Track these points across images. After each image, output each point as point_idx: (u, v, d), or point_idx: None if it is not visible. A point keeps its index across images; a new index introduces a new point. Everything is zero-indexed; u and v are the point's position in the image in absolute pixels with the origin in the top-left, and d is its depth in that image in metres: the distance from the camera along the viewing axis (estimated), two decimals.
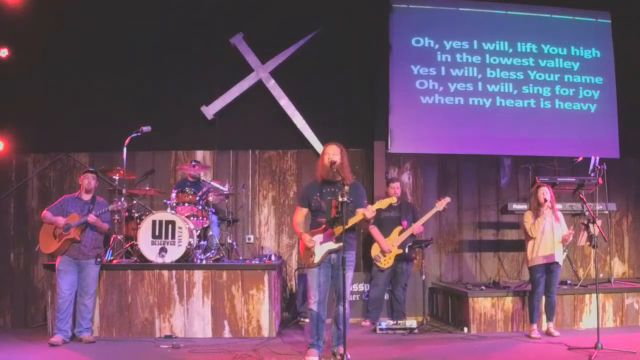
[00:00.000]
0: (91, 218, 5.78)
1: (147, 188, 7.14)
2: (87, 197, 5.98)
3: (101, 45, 7.70)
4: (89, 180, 5.97)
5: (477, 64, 7.89)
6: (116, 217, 6.54)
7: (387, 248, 6.63)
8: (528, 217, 6.13)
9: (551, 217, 6.03)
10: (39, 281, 7.46)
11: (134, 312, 6.04)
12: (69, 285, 5.76)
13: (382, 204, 5.08)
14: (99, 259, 5.88)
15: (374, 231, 6.73)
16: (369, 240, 6.98)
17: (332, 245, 4.98)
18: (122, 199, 6.21)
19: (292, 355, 5.20)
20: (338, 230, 4.89)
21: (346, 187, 4.81)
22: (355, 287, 7.14)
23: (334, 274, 5.04)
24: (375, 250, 6.73)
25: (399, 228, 6.72)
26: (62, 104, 7.67)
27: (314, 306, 5.01)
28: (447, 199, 6.68)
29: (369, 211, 4.94)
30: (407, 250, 6.70)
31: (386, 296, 6.98)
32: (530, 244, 6.11)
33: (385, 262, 6.68)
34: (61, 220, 5.79)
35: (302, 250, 5.13)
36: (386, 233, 6.71)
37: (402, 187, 8.02)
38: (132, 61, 7.75)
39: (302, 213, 5.19)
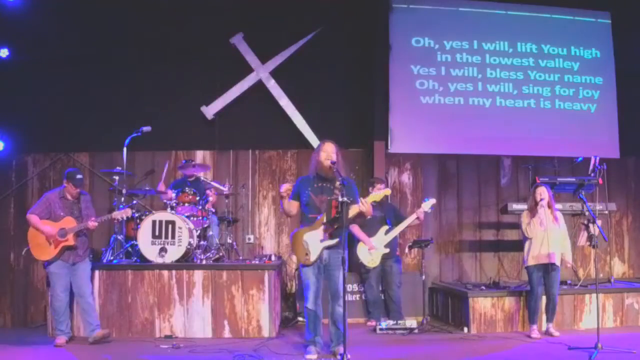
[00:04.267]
0: (93, 225, 5.60)
1: (147, 188, 7.14)
2: (72, 197, 5.74)
3: (101, 45, 7.69)
4: (77, 192, 5.68)
5: (477, 64, 7.89)
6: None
7: (371, 245, 6.56)
8: (524, 218, 6.13)
9: (549, 217, 6.01)
10: (39, 281, 7.45)
11: (134, 312, 6.03)
12: (64, 288, 5.66)
13: (376, 196, 5.10)
14: (91, 255, 5.83)
15: (355, 229, 6.59)
16: (352, 240, 6.74)
17: (328, 242, 4.98)
18: (123, 200, 6.17)
19: (292, 355, 5.20)
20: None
21: (337, 184, 4.90)
22: (355, 287, 7.14)
23: (328, 274, 5.06)
24: (360, 250, 6.64)
25: (385, 227, 6.65)
26: (61, 104, 7.66)
27: (310, 305, 5.03)
28: (433, 200, 6.58)
29: (364, 204, 4.93)
30: (406, 250, 6.67)
31: (382, 296, 6.96)
32: (526, 244, 6.10)
33: (372, 262, 6.62)
34: (52, 231, 5.53)
35: (294, 247, 5.12)
36: (371, 233, 6.62)
37: (402, 187, 8.05)
38: (132, 61, 7.76)
39: (292, 204, 5.17)
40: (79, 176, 5.69)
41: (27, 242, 5.72)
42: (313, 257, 4.99)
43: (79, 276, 5.72)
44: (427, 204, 6.54)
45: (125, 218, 6.12)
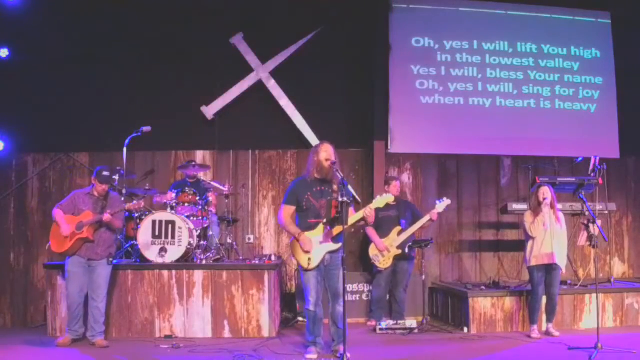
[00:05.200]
0: (106, 217, 5.54)
1: (147, 188, 7.14)
2: (99, 194, 5.74)
3: (101, 44, 7.69)
4: (104, 189, 5.70)
5: (477, 64, 7.89)
6: None
7: (382, 247, 6.55)
8: (528, 217, 6.12)
9: (552, 217, 6.01)
10: (39, 281, 7.46)
11: (134, 312, 6.04)
12: (79, 288, 5.61)
13: (380, 202, 5.06)
14: (111, 259, 5.74)
15: (370, 231, 6.62)
16: (367, 240, 6.88)
17: (330, 246, 4.99)
18: (123, 200, 6.17)
19: (292, 355, 5.21)
20: (337, 230, 4.92)
21: (334, 187, 4.94)
22: (355, 287, 7.14)
23: (329, 274, 5.05)
24: (372, 250, 6.63)
25: (398, 228, 6.62)
26: (61, 104, 7.66)
27: (312, 307, 5.02)
28: (447, 201, 6.52)
29: (368, 213, 4.96)
30: (407, 250, 6.66)
31: (387, 296, 6.96)
32: (529, 244, 6.09)
33: (384, 263, 6.59)
34: (68, 229, 5.54)
35: (295, 252, 5.07)
36: (385, 233, 6.62)
37: (402, 187, 8.04)
38: (133, 61, 7.76)
39: (290, 211, 5.09)
40: (105, 173, 5.69)
41: (49, 237, 5.74)
42: (315, 263, 4.98)
43: (95, 279, 5.66)
44: (442, 205, 6.48)
45: (140, 208, 6.04)
